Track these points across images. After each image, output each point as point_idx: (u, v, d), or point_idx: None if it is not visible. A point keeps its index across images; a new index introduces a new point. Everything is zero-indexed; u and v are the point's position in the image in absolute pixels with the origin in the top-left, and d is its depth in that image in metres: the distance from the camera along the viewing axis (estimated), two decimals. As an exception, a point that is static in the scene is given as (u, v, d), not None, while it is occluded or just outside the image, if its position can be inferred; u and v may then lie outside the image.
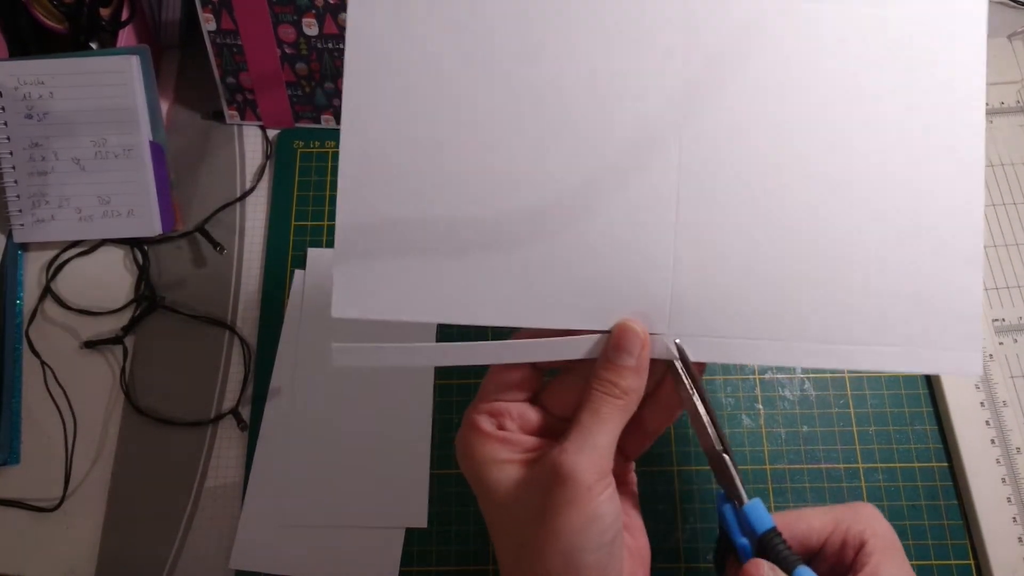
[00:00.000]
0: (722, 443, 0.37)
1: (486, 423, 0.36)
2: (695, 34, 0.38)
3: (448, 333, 0.58)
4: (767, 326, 0.38)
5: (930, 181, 0.38)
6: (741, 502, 0.37)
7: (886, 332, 0.38)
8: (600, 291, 0.37)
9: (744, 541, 0.36)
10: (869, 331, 0.38)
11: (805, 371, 0.57)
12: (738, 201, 0.38)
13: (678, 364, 0.37)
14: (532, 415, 0.37)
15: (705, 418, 0.37)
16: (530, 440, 0.36)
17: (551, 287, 0.37)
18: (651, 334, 0.37)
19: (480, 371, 0.58)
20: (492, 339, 0.37)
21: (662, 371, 0.38)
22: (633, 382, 0.35)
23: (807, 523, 0.37)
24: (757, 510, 0.36)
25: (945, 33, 0.39)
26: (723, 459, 0.37)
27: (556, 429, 0.36)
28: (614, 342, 0.35)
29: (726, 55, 0.38)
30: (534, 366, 0.37)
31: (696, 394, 0.37)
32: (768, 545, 0.35)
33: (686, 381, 0.37)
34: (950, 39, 0.39)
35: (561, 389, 0.38)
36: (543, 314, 0.37)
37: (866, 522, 0.37)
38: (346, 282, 0.37)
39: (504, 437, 0.36)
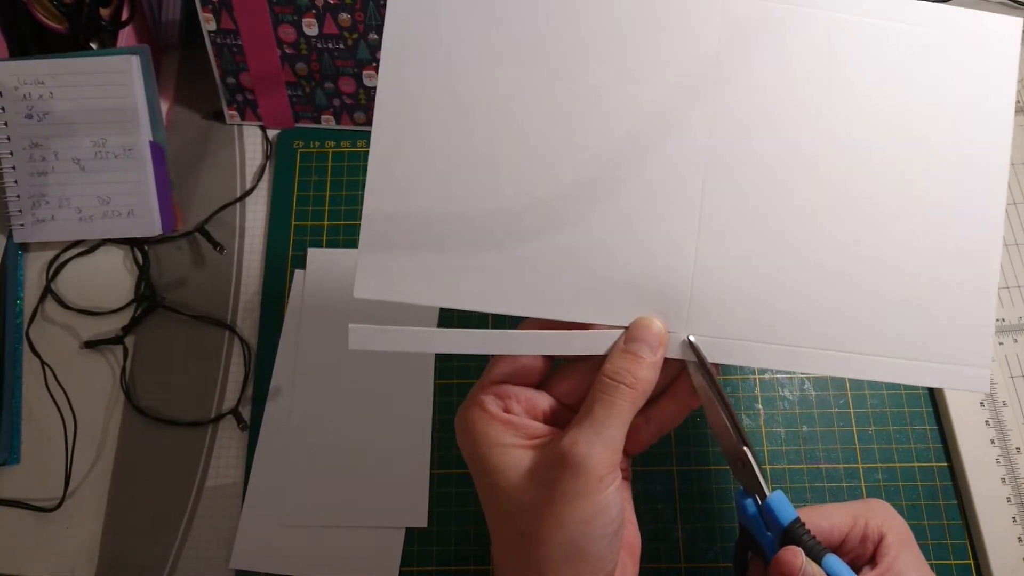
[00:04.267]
0: (742, 437, 0.37)
1: (492, 404, 0.35)
2: (723, 26, 0.37)
3: (448, 320, 0.58)
4: (783, 331, 0.37)
5: (950, 195, 0.38)
6: (763, 495, 0.37)
7: (898, 344, 0.38)
8: (620, 287, 0.36)
9: (769, 536, 0.36)
10: (881, 342, 0.38)
11: (804, 370, 0.57)
12: (760, 206, 0.38)
13: (692, 362, 0.37)
14: (540, 401, 0.36)
15: (723, 413, 0.37)
16: (537, 426, 0.35)
17: (572, 280, 0.36)
18: (668, 332, 0.37)
19: (481, 366, 0.58)
20: (493, 327, 0.37)
21: (676, 369, 0.38)
22: (648, 373, 0.34)
23: (828, 519, 0.38)
24: (781, 502, 0.36)
25: (977, 49, 0.38)
26: (744, 453, 0.37)
27: (563, 416, 0.36)
28: (632, 334, 0.35)
29: (754, 50, 0.38)
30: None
31: (713, 390, 0.37)
32: (794, 536, 0.35)
33: (703, 378, 0.37)
34: (982, 55, 0.38)
35: (570, 377, 0.37)
36: (563, 307, 0.36)
37: (883, 517, 0.38)
38: (370, 265, 0.37)
39: (510, 420, 0.35)
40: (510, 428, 0.35)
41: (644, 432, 0.38)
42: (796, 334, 0.37)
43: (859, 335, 0.38)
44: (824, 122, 0.38)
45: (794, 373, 0.57)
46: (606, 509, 0.32)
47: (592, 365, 0.36)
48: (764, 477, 0.37)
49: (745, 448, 0.37)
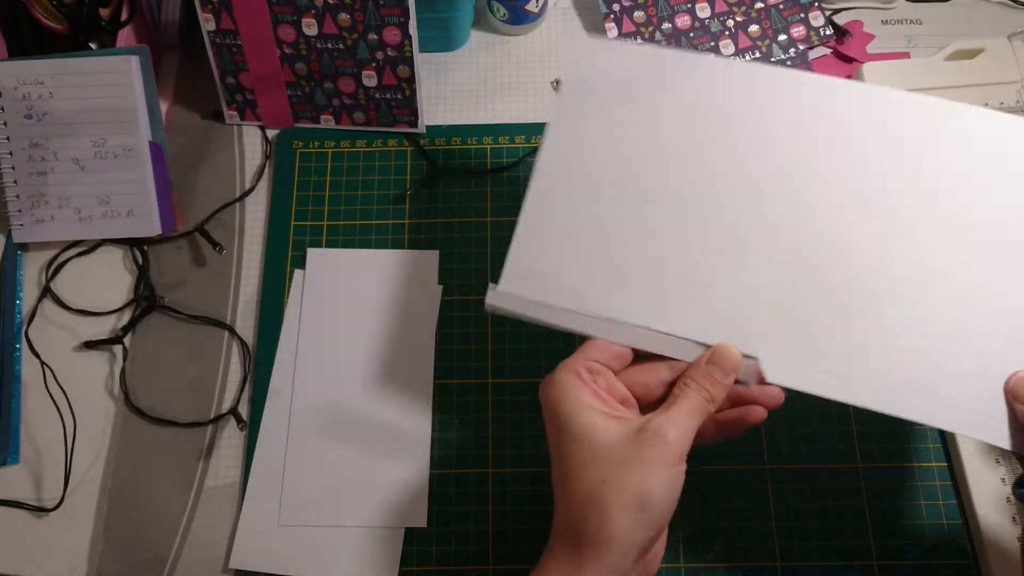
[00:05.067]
0: None
1: (585, 375, 0.41)
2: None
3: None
4: (846, 369, 0.42)
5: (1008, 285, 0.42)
6: None
7: (946, 396, 0.41)
8: (720, 317, 0.43)
9: None
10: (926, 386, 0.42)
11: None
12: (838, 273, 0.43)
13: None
14: (618, 386, 0.42)
15: None
16: (616, 404, 0.41)
17: (684, 303, 0.44)
18: (747, 356, 0.42)
19: (482, 366, 0.58)
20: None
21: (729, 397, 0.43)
22: (719, 392, 0.41)
23: None
24: None
25: None
26: None
27: (631, 404, 0.42)
28: (714, 357, 0.42)
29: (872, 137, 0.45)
30: (633, 349, 0.43)
31: None
32: None
33: None
34: None
35: (643, 373, 0.43)
36: (670, 322, 0.43)
37: None
38: (516, 268, 0.44)
39: (598, 392, 0.41)
40: (598, 398, 0.40)
41: (708, 436, 0.43)
42: (856, 368, 0.42)
43: (915, 385, 0.42)
44: (917, 204, 0.44)
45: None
46: (677, 480, 0.39)
47: (664, 367, 0.42)
48: None
49: None
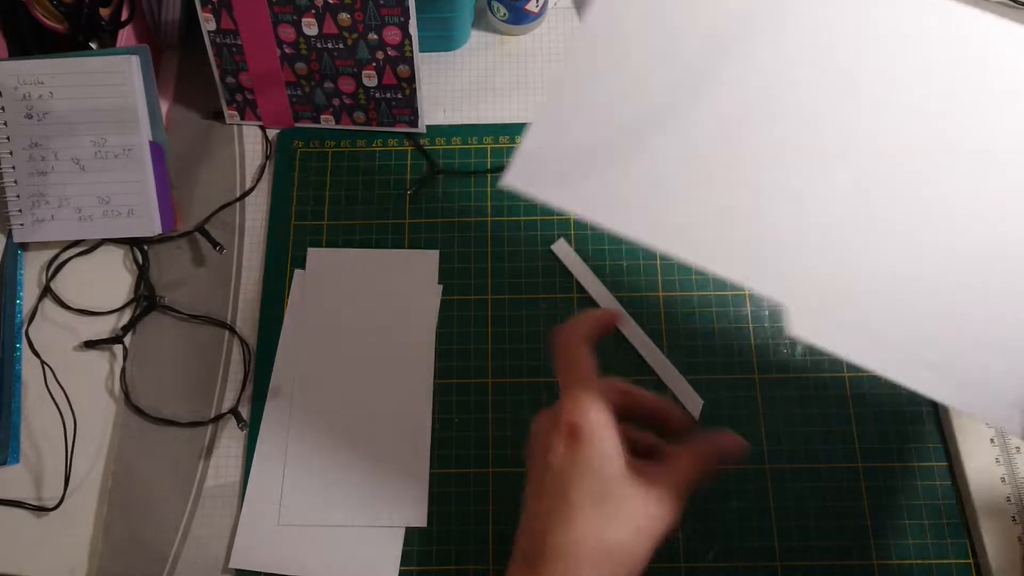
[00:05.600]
0: None
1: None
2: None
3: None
4: (870, 331, 0.38)
5: None
6: None
7: (963, 372, 0.38)
8: (738, 250, 0.39)
9: None
10: (949, 364, 0.37)
11: (805, 371, 0.57)
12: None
13: None
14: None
15: None
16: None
17: (685, 221, 0.40)
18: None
19: (481, 365, 0.58)
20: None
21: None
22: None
23: None
24: None
25: None
26: None
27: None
28: (721, 455, 0.44)
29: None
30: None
31: None
32: None
33: None
34: None
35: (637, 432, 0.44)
36: (688, 248, 0.39)
37: None
38: (525, 164, 0.42)
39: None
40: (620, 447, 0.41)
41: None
42: (879, 335, 0.38)
43: (938, 355, 0.38)
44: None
45: (794, 372, 0.57)
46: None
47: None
48: None
49: None
